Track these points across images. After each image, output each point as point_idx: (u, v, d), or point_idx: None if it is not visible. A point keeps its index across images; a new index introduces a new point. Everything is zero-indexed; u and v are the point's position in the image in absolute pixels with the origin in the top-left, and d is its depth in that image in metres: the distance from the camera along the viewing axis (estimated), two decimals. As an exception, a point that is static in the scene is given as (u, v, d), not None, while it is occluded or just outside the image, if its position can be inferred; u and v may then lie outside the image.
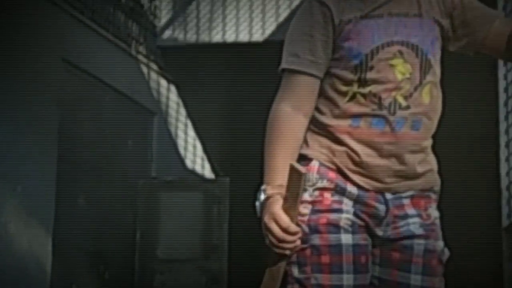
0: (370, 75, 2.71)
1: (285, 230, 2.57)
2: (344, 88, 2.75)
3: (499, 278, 5.43)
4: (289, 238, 2.57)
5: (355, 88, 2.73)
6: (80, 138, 8.37)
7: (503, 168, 5.49)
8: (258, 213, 2.68)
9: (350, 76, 2.73)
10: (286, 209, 2.60)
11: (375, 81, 2.71)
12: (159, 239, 9.33)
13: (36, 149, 7.60)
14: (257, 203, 2.69)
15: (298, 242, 2.59)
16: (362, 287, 2.78)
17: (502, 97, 5.57)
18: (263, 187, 2.69)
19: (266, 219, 2.62)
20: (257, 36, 9.73)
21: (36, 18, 7.68)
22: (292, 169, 2.58)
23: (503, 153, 5.54)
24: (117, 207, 9.12)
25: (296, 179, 2.57)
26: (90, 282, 8.63)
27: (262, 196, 2.67)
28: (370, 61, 2.73)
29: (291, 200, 2.60)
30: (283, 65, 2.75)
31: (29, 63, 7.45)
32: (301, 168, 2.57)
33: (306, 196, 2.77)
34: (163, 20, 10.20)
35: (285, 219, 2.58)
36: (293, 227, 2.56)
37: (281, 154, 2.78)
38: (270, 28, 9.70)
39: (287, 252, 2.63)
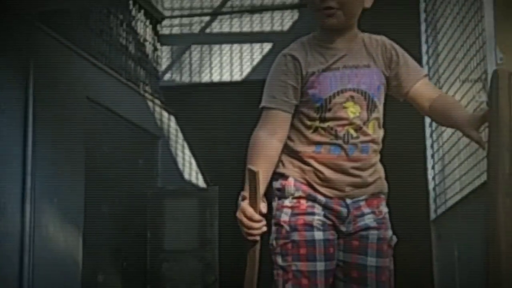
0: (328, 114, 2.77)
1: (250, 219, 2.60)
2: (309, 123, 2.81)
3: (430, 258, 5.43)
4: (255, 225, 2.60)
5: (317, 123, 2.79)
6: (101, 158, 8.34)
7: (430, 175, 5.53)
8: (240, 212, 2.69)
9: (313, 114, 2.79)
10: (251, 204, 2.63)
11: (332, 119, 2.77)
12: (165, 235, 9.31)
13: (68, 168, 7.58)
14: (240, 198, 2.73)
15: (264, 229, 2.61)
16: (331, 271, 2.80)
17: (427, 119, 5.56)
18: (242, 193, 2.71)
19: (237, 213, 2.66)
20: (237, 77, 9.70)
21: (64, 66, 7.65)
22: (249, 170, 2.62)
23: (429, 162, 5.56)
24: (132, 212, 9.12)
25: (252, 178, 2.61)
26: (112, 271, 8.61)
27: (240, 199, 2.70)
28: (328, 104, 2.78)
29: (252, 195, 2.64)
30: (263, 103, 2.82)
31: (61, 99, 7.42)
32: (254, 168, 2.61)
33: (286, 203, 2.82)
34: (164, 66, 10.14)
35: (249, 210, 2.60)
36: (256, 216, 2.60)
37: (255, 156, 2.85)
38: (247, 70, 9.66)
39: (257, 237, 2.65)
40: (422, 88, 2.91)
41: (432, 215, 5.46)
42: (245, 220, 2.62)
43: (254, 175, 2.60)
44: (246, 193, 2.65)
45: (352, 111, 2.79)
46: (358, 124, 2.77)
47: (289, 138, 2.88)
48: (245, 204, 2.64)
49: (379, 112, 2.86)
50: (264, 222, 2.62)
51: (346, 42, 2.88)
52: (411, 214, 4.37)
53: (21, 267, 6.71)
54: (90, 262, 7.93)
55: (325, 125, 2.78)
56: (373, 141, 2.83)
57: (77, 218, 7.70)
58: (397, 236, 2.88)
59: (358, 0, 2.80)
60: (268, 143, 2.81)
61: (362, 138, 2.78)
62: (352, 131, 2.78)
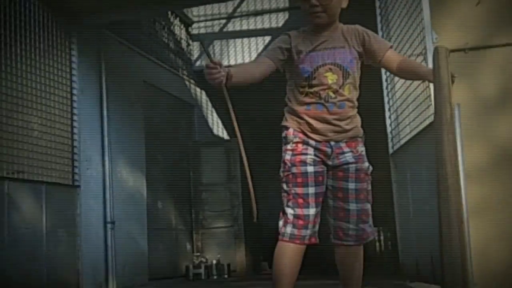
0: (314, 81, 2.79)
1: (208, 67, 2.56)
2: (301, 89, 2.83)
3: (390, 179, 5.42)
4: (213, 70, 2.53)
5: (306, 89, 2.81)
6: (155, 122, 8.36)
7: (388, 122, 5.48)
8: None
9: (303, 83, 2.81)
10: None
11: (316, 85, 2.79)
12: (202, 173, 9.36)
13: (133, 130, 7.64)
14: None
15: (223, 73, 2.54)
16: (320, 193, 2.82)
17: (384, 84, 5.52)
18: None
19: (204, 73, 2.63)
20: (247, 61, 9.70)
21: (126, 59, 7.64)
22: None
23: (387, 114, 5.50)
24: (178, 158, 9.16)
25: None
26: (167, 200, 8.71)
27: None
28: (313, 74, 2.79)
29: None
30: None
31: (125, 82, 7.41)
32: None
33: (288, 147, 2.86)
34: (195, 56, 10.14)
35: (209, 64, 2.59)
36: (211, 64, 2.56)
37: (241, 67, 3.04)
38: (254, 55, 9.65)
39: (221, 78, 2.56)
40: (390, 55, 2.90)
41: (390, 151, 5.48)
42: (206, 70, 2.57)
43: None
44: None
45: (331, 78, 2.79)
46: (335, 88, 2.77)
47: (288, 100, 2.91)
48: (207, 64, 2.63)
49: (354, 79, 2.84)
50: (220, 69, 2.56)
51: (328, 32, 2.86)
52: (376, 150, 4.37)
53: (104, 202, 6.75)
54: (151, 194, 7.97)
55: (312, 90, 2.78)
56: (348, 99, 2.81)
57: (141, 164, 7.73)
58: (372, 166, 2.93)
59: (337, 4, 2.80)
60: (251, 65, 3.08)
61: (339, 98, 2.79)
62: (331, 93, 2.77)
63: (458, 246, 2.09)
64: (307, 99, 2.78)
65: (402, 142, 5.08)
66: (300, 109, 2.80)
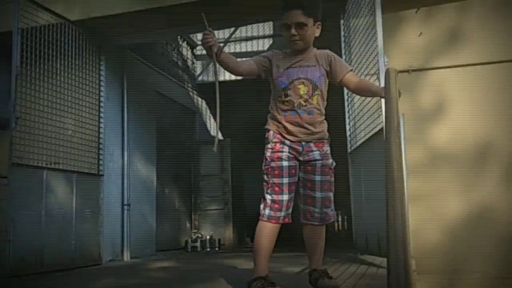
0: (289, 92, 2.81)
1: (204, 34, 2.75)
2: (279, 98, 2.83)
3: (348, 174, 5.41)
4: (208, 36, 2.74)
5: (283, 98, 2.82)
6: (164, 124, 8.28)
7: (347, 127, 5.44)
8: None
9: (281, 92, 2.82)
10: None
11: (291, 95, 2.80)
12: (200, 166, 9.32)
13: (146, 130, 7.57)
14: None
15: (216, 39, 2.75)
16: (293, 183, 2.82)
17: (345, 97, 5.49)
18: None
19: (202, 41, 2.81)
20: (238, 77, 9.71)
21: (142, 73, 7.60)
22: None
23: (347, 120, 5.51)
24: (182, 154, 9.05)
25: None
26: (172, 187, 8.65)
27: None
28: (289, 86, 2.80)
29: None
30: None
31: (141, 92, 7.36)
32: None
33: (269, 146, 2.86)
34: (198, 72, 10.13)
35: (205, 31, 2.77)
36: (206, 34, 2.76)
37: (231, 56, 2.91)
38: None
39: (213, 42, 2.74)
40: (349, 77, 2.90)
41: (349, 150, 5.48)
42: (204, 37, 2.74)
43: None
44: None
45: (303, 90, 2.80)
46: (306, 98, 2.79)
47: (271, 108, 2.90)
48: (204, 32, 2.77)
49: (321, 91, 2.84)
50: (213, 36, 2.75)
51: (304, 54, 2.87)
52: (338, 150, 4.36)
53: (122, 188, 6.70)
54: (160, 182, 7.91)
55: (287, 99, 2.80)
56: (316, 107, 2.82)
57: (152, 158, 7.68)
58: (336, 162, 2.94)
59: (311, 33, 2.83)
60: (238, 62, 2.90)
61: (309, 106, 2.80)
62: (302, 102, 2.79)
63: (401, 226, 2.09)
64: (284, 107, 2.81)
65: (358, 143, 5.08)
66: (279, 115, 2.83)
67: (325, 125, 2.91)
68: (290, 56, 2.85)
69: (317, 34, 2.83)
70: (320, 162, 2.83)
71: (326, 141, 2.91)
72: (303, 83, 2.78)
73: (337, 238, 9.27)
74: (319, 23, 2.83)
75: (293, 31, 2.73)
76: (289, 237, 3.27)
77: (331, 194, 2.89)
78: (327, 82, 2.88)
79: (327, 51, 2.90)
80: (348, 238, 6.27)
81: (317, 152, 2.84)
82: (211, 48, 2.74)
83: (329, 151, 2.91)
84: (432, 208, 5.03)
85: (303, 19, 2.72)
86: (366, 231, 5.02)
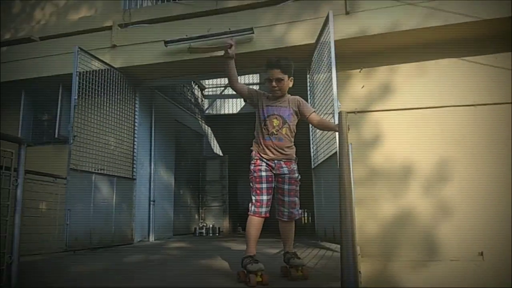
0: (267, 123, 2.77)
1: (231, 43, 2.66)
2: (259, 127, 2.79)
3: (312, 184, 5.25)
4: (233, 47, 2.67)
5: (262, 126, 2.78)
6: (181, 144, 8.23)
7: (312, 150, 5.44)
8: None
9: (262, 122, 2.78)
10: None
11: (268, 125, 2.75)
12: (206, 174, 9.23)
13: (168, 148, 7.52)
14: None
15: (233, 48, 2.68)
16: (270, 188, 2.76)
17: (311, 128, 5.42)
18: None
19: (228, 53, 2.71)
20: (235, 111, 9.67)
21: (166, 107, 7.57)
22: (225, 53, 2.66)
23: (311, 145, 5.48)
24: (193, 166, 8.99)
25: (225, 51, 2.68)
26: (186, 190, 8.52)
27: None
28: (267, 119, 2.76)
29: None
30: None
31: (164, 121, 7.33)
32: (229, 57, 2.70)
33: (252, 161, 2.81)
34: (206, 107, 10.09)
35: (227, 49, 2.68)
36: (232, 41, 2.68)
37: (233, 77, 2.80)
38: (239, 108, 9.63)
39: (230, 51, 2.68)
40: (313, 116, 2.88)
41: (313, 166, 5.38)
42: (230, 46, 2.66)
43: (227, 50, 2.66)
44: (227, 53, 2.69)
45: (276, 123, 2.77)
46: (277, 128, 2.76)
47: (256, 133, 2.84)
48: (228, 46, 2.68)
49: (289, 125, 2.81)
50: (233, 43, 2.68)
51: (280, 98, 2.85)
52: (305, 166, 4.37)
53: (149, 188, 6.66)
54: (177, 185, 7.85)
55: (265, 127, 2.76)
56: (284, 136, 2.78)
57: (171, 167, 7.62)
58: (301, 176, 2.93)
59: (287, 85, 2.82)
60: (237, 78, 2.82)
61: (280, 134, 2.77)
62: (274, 131, 2.75)
63: (350, 221, 2.09)
64: (263, 133, 2.80)
65: (319, 162, 5.04)
66: (260, 139, 2.81)
67: (293, 150, 2.88)
68: (271, 98, 2.85)
69: (291, 85, 2.85)
70: (288, 175, 2.81)
71: (293, 161, 2.87)
72: (276, 118, 2.77)
73: (303, 229, 9.27)
74: (292, 77, 2.85)
75: (273, 83, 2.75)
76: (269, 228, 3.26)
77: (296, 199, 2.84)
78: (295, 119, 2.87)
79: (297, 97, 2.91)
80: (312, 229, 6.27)
81: (286, 168, 2.81)
82: (229, 51, 2.69)
83: (295, 168, 2.87)
84: (371, 209, 5.05)
85: (281, 76, 2.75)
86: (324, 225, 5.01)
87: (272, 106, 2.79)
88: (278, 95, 2.82)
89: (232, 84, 2.82)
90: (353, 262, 1.77)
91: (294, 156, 2.90)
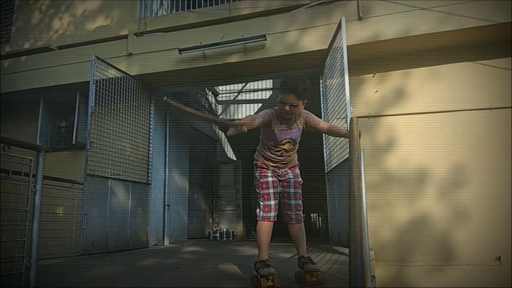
0: (279, 145, 2.78)
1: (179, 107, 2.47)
2: (269, 146, 2.80)
3: (325, 188, 5.24)
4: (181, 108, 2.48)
5: (273, 146, 2.79)
6: (195, 148, 8.28)
7: (325, 155, 5.42)
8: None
9: (273, 143, 2.78)
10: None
11: (279, 147, 2.78)
12: (220, 179, 9.24)
13: (182, 153, 7.55)
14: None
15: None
16: (276, 193, 2.80)
17: (324, 135, 5.47)
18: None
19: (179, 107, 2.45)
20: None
21: (179, 114, 7.64)
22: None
23: (324, 151, 5.45)
24: (207, 170, 9.01)
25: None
26: (199, 194, 8.54)
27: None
28: (280, 142, 2.77)
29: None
30: (255, 114, 2.85)
31: (180, 126, 7.38)
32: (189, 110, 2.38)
33: (258, 169, 2.85)
34: (219, 112, 10.12)
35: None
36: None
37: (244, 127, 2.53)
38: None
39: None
40: (322, 125, 2.88)
41: (326, 171, 5.33)
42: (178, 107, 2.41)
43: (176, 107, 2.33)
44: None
45: (287, 145, 2.79)
46: (288, 150, 2.79)
47: (262, 147, 2.85)
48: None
49: (296, 144, 2.84)
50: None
51: (291, 119, 2.82)
52: (318, 171, 4.35)
53: (164, 193, 6.71)
54: (191, 190, 7.89)
55: (276, 148, 2.78)
56: (293, 152, 2.85)
57: (185, 172, 7.66)
58: (313, 180, 2.93)
59: (299, 108, 2.74)
60: (249, 125, 2.55)
61: (288, 153, 2.81)
62: (284, 152, 2.79)
63: (359, 226, 2.05)
64: (272, 152, 2.81)
65: (332, 167, 5.02)
66: (267, 155, 2.83)
67: (296, 158, 2.91)
68: (282, 119, 2.77)
69: (302, 107, 2.77)
70: (293, 179, 2.84)
71: (296, 166, 2.91)
72: (288, 141, 2.78)
73: (317, 233, 9.22)
74: (305, 100, 2.76)
75: (287, 107, 2.66)
76: (281, 231, 3.26)
77: (301, 202, 2.85)
78: (301, 134, 2.86)
79: (303, 112, 2.84)
80: (326, 234, 6.24)
81: (291, 173, 2.86)
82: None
83: (299, 172, 2.90)
84: (386, 214, 5.02)
85: (296, 102, 2.66)
86: (338, 229, 4.99)
87: (284, 130, 2.77)
88: (289, 117, 2.77)
89: (248, 130, 2.53)
90: (361, 266, 1.71)
91: (297, 162, 2.93)
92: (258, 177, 2.80)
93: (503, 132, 4.87)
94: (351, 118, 2.60)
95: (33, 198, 2.72)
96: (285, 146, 2.80)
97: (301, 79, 2.66)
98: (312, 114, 2.89)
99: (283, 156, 2.81)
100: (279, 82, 2.85)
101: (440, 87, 5.18)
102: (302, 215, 2.88)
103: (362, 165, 2.89)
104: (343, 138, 4.45)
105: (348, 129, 2.76)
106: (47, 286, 2.97)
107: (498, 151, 4.86)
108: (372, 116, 5.25)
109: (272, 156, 2.80)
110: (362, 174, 2.83)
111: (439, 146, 5.03)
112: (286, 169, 2.84)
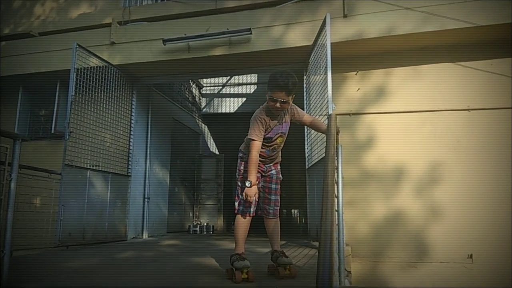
0: (272, 141, 2.80)
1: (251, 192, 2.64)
2: (264, 144, 2.80)
3: (305, 183, 5.28)
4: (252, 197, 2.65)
5: (267, 144, 2.80)
6: (177, 141, 8.20)
7: (306, 151, 5.43)
8: (248, 189, 2.67)
9: (267, 142, 2.79)
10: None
11: (272, 143, 2.80)
12: (201, 173, 9.18)
13: (164, 145, 7.50)
14: (247, 183, 2.66)
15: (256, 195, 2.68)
16: (258, 188, 2.83)
17: (305, 130, 5.42)
18: (249, 180, 2.67)
19: (252, 192, 2.66)
20: (232, 110, 9.66)
21: (163, 105, 7.58)
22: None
23: (306, 147, 5.46)
24: (189, 164, 8.93)
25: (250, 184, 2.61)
26: (180, 186, 8.53)
27: (248, 184, 2.66)
28: (273, 139, 2.79)
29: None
30: (254, 137, 2.72)
31: (161, 118, 7.34)
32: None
33: (243, 161, 2.87)
34: (203, 105, 10.07)
35: (253, 190, 2.67)
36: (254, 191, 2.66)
37: (253, 168, 2.66)
38: (236, 107, 9.63)
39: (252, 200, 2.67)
40: (305, 118, 2.90)
41: (307, 167, 5.31)
42: (252, 198, 2.65)
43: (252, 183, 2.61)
44: (253, 182, 2.65)
45: (280, 140, 2.82)
46: (279, 145, 2.83)
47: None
48: (255, 190, 2.68)
49: (286, 136, 2.88)
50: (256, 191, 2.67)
51: (281, 114, 2.85)
52: (299, 167, 4.38)
53: (144, 185, 6.68)
54: (172, 182, 7.84)
55: (268, 144, 2.79)
56: (279, 149, 2.89)
57: (167, 165, 7.61)
58: (283, 177, 2.96)
59: (289, 104, 2.76)
60: (255, 155, 2.69)
61: (278, 148, 2.85)
62: (276, 147, 2.81)
63: (329, 223, 2.07)
64: (266, 148, 2.82)
65: (313, 163, 5.05)
66: (263, 151, 2.82)
67: (280, 154, 2.95)
68: (272, 118, 2.79)
69: (291, 102, 2.78)
70: (275, 175, 2.89)
71: (279, 162, 2.96)
72: (280, 136, 2.82)
73: (297, 229, 9.31)
74: (294, 95, 2.78)
75: (278, 105, 2.68)
76: (257, 226, 3.30)
77: (279, 197, 2.89)
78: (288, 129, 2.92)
79: (292, 105, 2.86)
80: (304, 229, 6.30)
81: (274, 170, 2.91)
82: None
83: (280, 169, 2.94)
84: (363, 210, 5.08)
85: (286, 98, 2.68)
86: (316, 225, 5.03)
87: (276, 126, 2.79)
88: (279, 113, 2.80)
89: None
90: (329, 261, 1.74)
91: (280, 158, 2.96)
92: (242, 170, 2.80)
93: (480, 132, 4.99)
94: (330, 115, 2.63)
95: (8, 187, 2.70)
96: (278, 141, 2.83)
97: (289, 74, 2.67)
98: (296, 106, 2.91)
99: (274, 151, 2.83)
100: (264, 77, 2.88)
101: (421, 87, 5.26)
102: (278, 210, 2.91)
103: (340, 161, 2.94)
104: (323, 135, 4.47)
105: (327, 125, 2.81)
106: (21, 277, 2.96)
107: (474, 151, 4.97)
108: (353, 114, 5.30)
109: (264, 151, 2.80)
110: (340, 170, 2.87)
111: (417, 144, 5.11)
112: (270, 164, 2.88)
